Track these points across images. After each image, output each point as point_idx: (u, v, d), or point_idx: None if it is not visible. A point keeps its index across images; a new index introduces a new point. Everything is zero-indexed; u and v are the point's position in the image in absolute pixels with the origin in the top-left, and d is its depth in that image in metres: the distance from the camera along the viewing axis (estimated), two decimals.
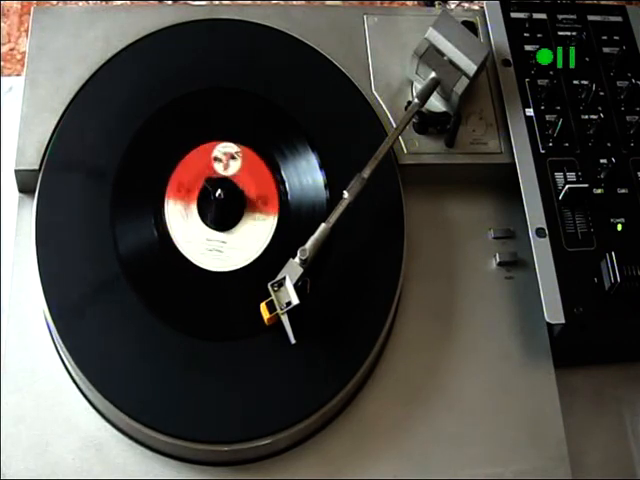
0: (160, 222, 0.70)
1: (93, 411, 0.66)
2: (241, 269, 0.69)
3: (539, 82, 0.77)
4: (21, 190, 0.73)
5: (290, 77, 0.77)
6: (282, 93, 0.75)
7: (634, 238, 0.71)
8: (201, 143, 0.73)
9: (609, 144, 0.75)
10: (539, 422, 0.69)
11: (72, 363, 0.65)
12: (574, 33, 0.80)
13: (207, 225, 0.70)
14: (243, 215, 0.71)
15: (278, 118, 0.75)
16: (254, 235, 0.70)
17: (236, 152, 0.71)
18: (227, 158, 0.72)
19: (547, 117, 0.76)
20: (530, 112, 0.76)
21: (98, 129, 0.73)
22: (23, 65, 0.80)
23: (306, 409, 0.65)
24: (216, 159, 0.72)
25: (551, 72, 0.78)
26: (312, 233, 0.66)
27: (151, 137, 0.73)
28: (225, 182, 0.71)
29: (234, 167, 0.71)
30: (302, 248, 0.66)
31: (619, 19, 0.82)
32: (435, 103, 0.76)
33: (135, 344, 0.66)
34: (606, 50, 0.80)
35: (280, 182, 0.72)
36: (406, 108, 0.75)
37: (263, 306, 0.65)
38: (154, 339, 0.66)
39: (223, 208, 0.70)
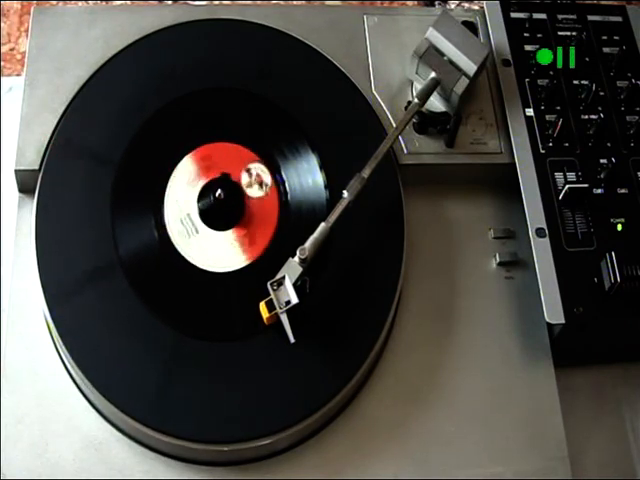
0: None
1: (93, 411, 0.66)
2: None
3: (539, 82, 0.77)
4: (21, 190, 0.73)
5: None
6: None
7: (634, 238, 0.71)
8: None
9: (609, 144, 0.75)
10: (539, 422, 0.69)
11: (72, 363, 0.65)
12: (574, 33, 0.80)
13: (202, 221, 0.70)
14: (239, 222, 0.71)
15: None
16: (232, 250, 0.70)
17: (266, 185, 0.71)
18: (257, 180, 0.71)
19: (547, 117, 0.76)
20: (530, 112, 0.76)
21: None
22: (23, 65, 0.80)
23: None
24: (248, 171, 0.72)
25: (551, 72, 0.78)
26: (312, 233, 0.67)
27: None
28: (231, 184, 0.71)
29: (255, 192, 0.71)
30: (301, 247, 0.65)
31: (619, 19, 0.82)
32: (435, 103, 0.76)
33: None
34: (606, 50, 0.80)
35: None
36: (406, 108, 0.75)
37: (262, 305, 0.65)
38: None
39: (220, 208, 0.70)
